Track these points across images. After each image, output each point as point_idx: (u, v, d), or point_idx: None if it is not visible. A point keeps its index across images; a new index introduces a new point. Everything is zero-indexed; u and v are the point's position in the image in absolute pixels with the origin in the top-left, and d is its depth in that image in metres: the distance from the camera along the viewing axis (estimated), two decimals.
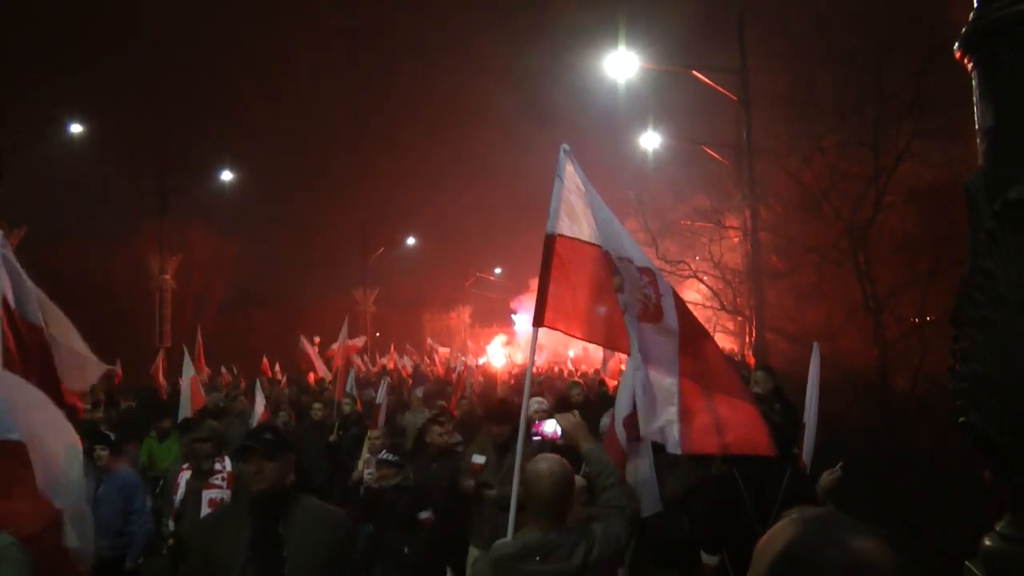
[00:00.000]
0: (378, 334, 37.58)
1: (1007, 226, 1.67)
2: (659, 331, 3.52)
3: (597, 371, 18.82)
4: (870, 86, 12.32)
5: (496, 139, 61.74)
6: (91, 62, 30.37)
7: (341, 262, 40.87)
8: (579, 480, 3.55)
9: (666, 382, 3.49)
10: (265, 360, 19.57)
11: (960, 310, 1.78)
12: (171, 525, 5.52)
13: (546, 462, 2.89)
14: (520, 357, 31.88)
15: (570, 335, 3.59)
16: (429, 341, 28.83)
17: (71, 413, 4.24)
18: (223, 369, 18.66)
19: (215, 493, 5.19)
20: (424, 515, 5.07)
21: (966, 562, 1.83)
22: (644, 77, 17.55)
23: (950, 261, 10.10)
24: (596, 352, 24.16)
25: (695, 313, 3.91)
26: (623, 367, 7.81)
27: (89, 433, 5.80)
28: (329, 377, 13.70)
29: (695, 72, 15.80)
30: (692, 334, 3.55)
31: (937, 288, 10.93)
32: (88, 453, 5.40)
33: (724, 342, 20.50)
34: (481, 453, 5.32)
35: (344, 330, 12.19)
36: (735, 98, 15.36)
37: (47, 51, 31.05)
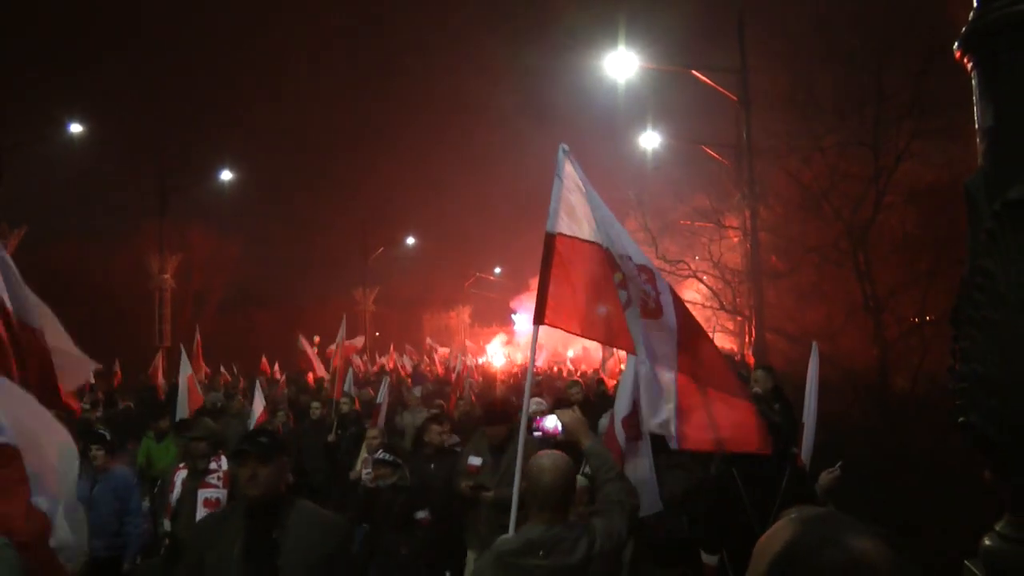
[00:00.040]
0: (378, 334, 37.61)
1: (1007, 226, 1.67)
2: (658, 328, 3.53)
3: (596, 371, 18.86)
4: (870, 86, 12.33)
5: (496, 139, 61.77)
6: (91, 62, 30.40)
7: (341, 262, 40.94)
8: (581, 480, 3.56)
9: (665, 378, 3.50)
10: (264, 360, 19.59)
11: (960, 310, 1.78)
12: (167, 525, 5.51)
13: (548, 457, 2.91)
14: (520, 357, 31.91)
15: (571, 333, 3.59)
16: (428, 341, 28.82)
17: (69, 414, 4.24)
18: (222, 369, 18.66)
19: (211, 492, 5.14)
20: (421, 515, 5.06)
21: (966, 562, 1.83)
22: (644, 77, 17.58)
23: (950, 261, 10.11)
24: (595, 352, 24.21)
25: (695, 313, 3.93)
26: (622, 367, 7.82)
27: (85, 433, 5.78)
28: (328, 376, 13.70)
29: (695, 72, 15.79)
30: (690, 332, 3.57)
31: (937, 288, 10.94)
32: (84, 453, 5.38)
33: (724, 342, 20.50)
34: (477, 455, 5.25)
35: (342, 329, 12.17)
36: (735, 98, 15.36)
37: (47, 51, 31.08)
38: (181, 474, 5.55)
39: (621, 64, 16.24)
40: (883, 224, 12.74)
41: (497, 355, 33.02)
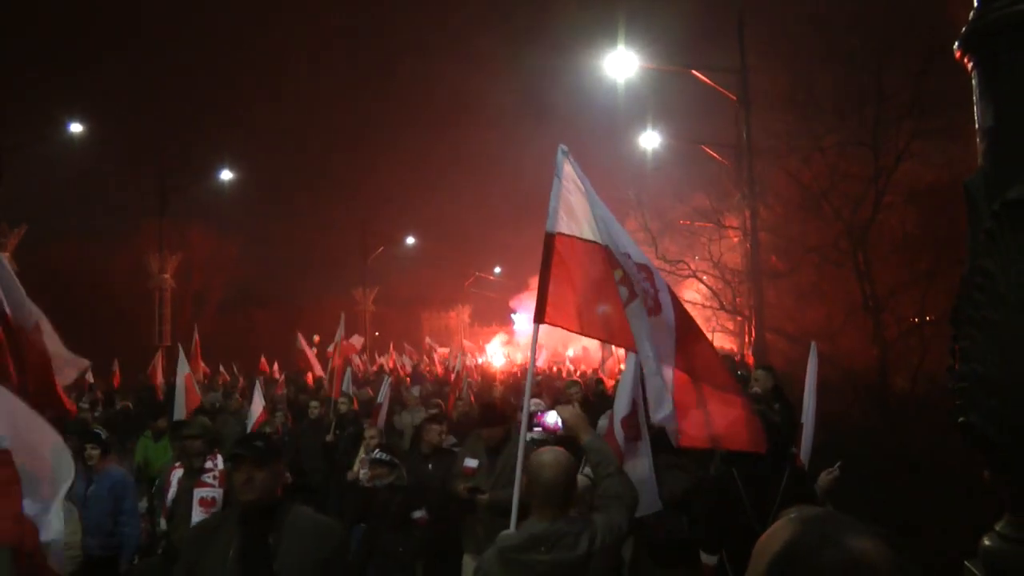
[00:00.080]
0: (377, 333, 37.61)
1: (1007, 226, 1.67)
2: (657, 325, 3.54)
3: (595, 371, 18.85)
4: (870, 86, 12.33)
5: (496, 138, 61.79)
6: (91, 62, 30.43)
7: (340, 261, 40.96)
8: (583, 480, 3.56)
9: (666, 374, 3.52)
10: (263, 359, 19.59)
11: (960, 310, 1.78)
12: (164, 524, 5.48)
13: (550, 453, 2.93)
14: (519, 357, 31.91)
15: (571, 331, 3.61)
16: (428, 340, 28.79)
17: (63, 415, 4.23)
18: (221, 368, 18.66)
19: (207, 492, 5.09)
20: (418, 514, 5.06)
21: (966, 562, 1.83)
22: (644, 76, 17.57)
23: (950, 261, 10.11)
24: (595, 352, 24.21)
25: (695, 313, 3.94)
26: (621, 367, 7.82)
27: (80, 432, 5.77)
28: (326, 376, 13.69)
29: (695, 72, 15.80)
30: (687, 330, 3.58)
31: (937, 288, 10.94)
32: (79, 452, 5.37)
33: (724, 342, 20.51)
34: (473, 457, 5.19)
35: (341, 327, 12.16)
36: (735, 98, 15.37)
37: (47, 51, 31.10)
38: (177, 473, 5.54)
39: (621, 64, 16.24)
40: (883, 224, 12.74)
41: (497, 355, 33.02)
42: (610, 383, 12.21)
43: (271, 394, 12.08)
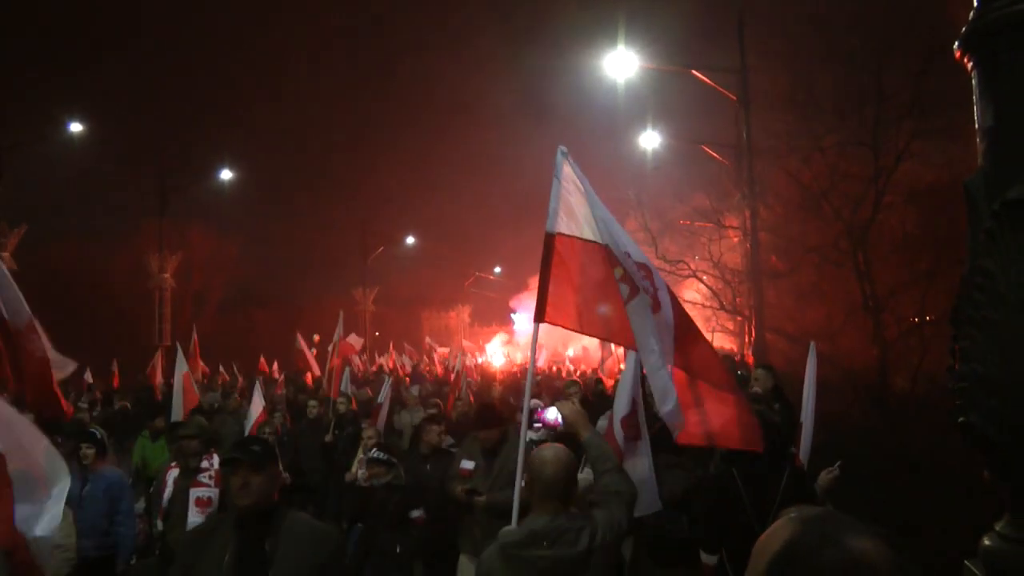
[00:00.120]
0: (377, 333, 37.64)
1: (1007, 226, 1.67)
2: (659, 321, 3.55)
3: (595, 371, 18.85)
4: (870, 86, 12.32)
5: (495, 138, 61.89)
6: (91, 62, 30.44)
7: (340, 261, 41.00)
8: (584, 479, 3.56)
9: (667, 370, 3.53)
10: (263, 359, 19.59)
11: (960, 310, 1.78)
12: (160, 525, 5.46)
13: (550, 449, 2.95)
14: (519, 356, 31.93)
15: (571, 330, 3.63)
16: (428, 340, 28.78)
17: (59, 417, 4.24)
18: (221, 368, 18.66)
19: (203, 491, 5.08)
20: (415, 514, 5.05)
21: (966, 562, 1.83)
22: (644, 76, 17.57)
23: (950, 261, 10.11)
24: (594, 352, 24.22)
25: (695, 313, 3.95)
26: (621, 366, 7.82)
27: (75, 432, 5.75)
28: (325, 376, 13.68)
29: (695, 72, 15.80)
30: (685, 329, 3.60)
31: (937, 288, 10.93)
32: (74, 452, 5.35)
33: (724, 342, 20.50)
34: (470, 458, 5.15)
35: (339, 326, 12.15)
36: (735, 98, 15.37)
37: (47, 51, 31.11)
38: (173, 473, 5.52)
39: (621, 64, 16.25)
40: (883, 224, 12.74)
41: (497, 355, 33.02)
42: (609, 383, 12.20)
43: (270, 394, 12.07)
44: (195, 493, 5.11)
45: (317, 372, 15.46)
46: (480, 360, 28.45)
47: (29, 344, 3.72)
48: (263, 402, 7.85)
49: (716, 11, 19.98)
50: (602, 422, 4.86)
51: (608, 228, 3.53)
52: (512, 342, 39.58)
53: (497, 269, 51.03)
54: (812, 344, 5.66)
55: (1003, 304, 1.66)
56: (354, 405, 9.35)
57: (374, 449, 5.49)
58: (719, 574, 3.96)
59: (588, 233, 3.56)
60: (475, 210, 53.57)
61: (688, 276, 17.54)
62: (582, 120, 33.80)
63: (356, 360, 17.75)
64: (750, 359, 15.12)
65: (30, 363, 3.72)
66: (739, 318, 18.06)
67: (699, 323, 4.10)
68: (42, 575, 2.66)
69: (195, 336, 16.16)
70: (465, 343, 29.90)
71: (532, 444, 4.33)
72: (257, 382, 9.26)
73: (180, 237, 30.54)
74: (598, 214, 3.52)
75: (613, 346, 16.18)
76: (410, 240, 43.69)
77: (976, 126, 1.85)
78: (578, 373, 20.12)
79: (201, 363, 16.70)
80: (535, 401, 6.63)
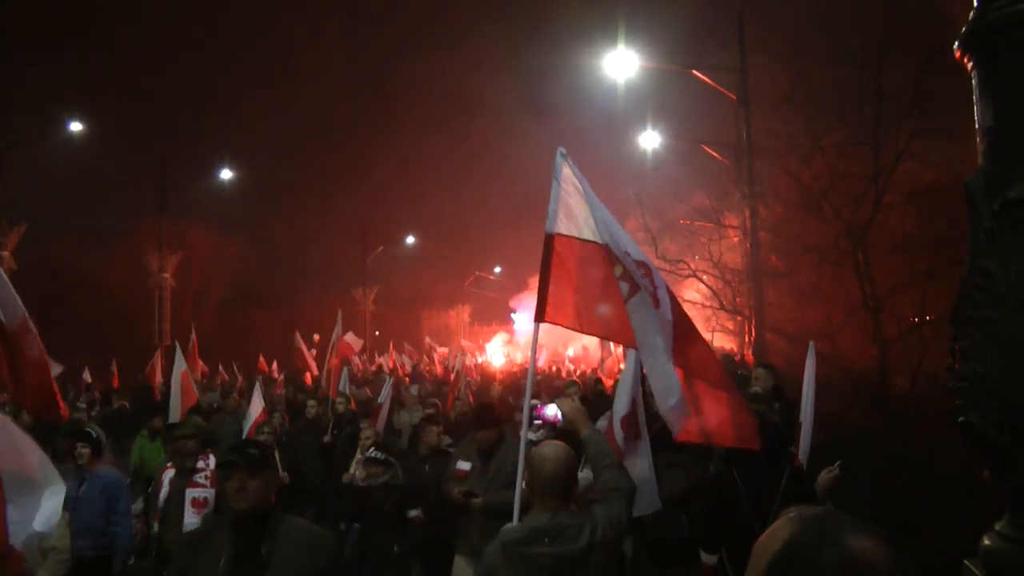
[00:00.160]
0: (377, 333, 37.65)
1: (1007, 226, 1.67)
2: (659, 318, 3.57)
3: (595, 370, 18.85)
4: (870, 86, 12.31)
5: (495, 138, 61.88)
6: (91, 61, 30.42)
7: (340, 261, 41.03)
8: (585, 478, 3.57)
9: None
10: (262, 359, 19.58)
11: (960, 310, 1.78)
12: (156, 526, 5.44)
13: (550, 447, 2.96)
14: (519, 356, 31.94)
15: (571, 329, 3.64)
16: (428, 340, 28.77)
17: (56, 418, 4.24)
18: (220, 368, 18.65)
19: (199, 492, 5.03)
20: (413, 513, 5.05)
21: (966, 562, 1.83)
22: (644, 76, 17.57)
23: (950, 261, 10.10)
24: (594, 351, 24.22)
25: (695, 312, 3.95)
26: (621, 366, 7.81)
27: (72, 432, 5.72)
28: (324, 376, 13.66)
29: (695, 71, 15.80)
30: (684, 328, 3.61)
31: (937, 288, 10.93)
32: (70, 452, 5.33)
33: (724, 342, 20.51)
34: (466, 459, 5.14)
35: (338, 325, 12.13)
36: (735, 97, 15.37)
37: (47, 51, 31.10)
38: (169, 473, 5.50)
39: (621, 63, 16.24)
40: (883, 224, 12.73)
41: (496, 354, 33.02)
42: (609, 383, 12.20)
43: (270, 394, 12.07)
44: (191, 494, 5.08)
45: (316, 372, 15.45)
46: (480, 360, 28.44)
47: (24, 344, 3.72)
48: (263, 403, 7.84)
49: (716, 11, 19.99)
50: (602, 422, 4.86)
51: (608, 228, 3.54)
52: (512, 342, 39.59)
53: (497, 269, 51.09)
54: (812, 344, 5.67)
55: (1003, 304, 1.66)
56: (353, 405, 9.34)
57: (371, 448, 5.48)
58: (719, 574, 3.96)
59: (587, 233, 3.58)
60: (475, 210, 53.70)
61: (688, 276, 17.52)
62: (582, 120, 33.83)
63: (355, 360, 17.75)
64: (750, 359, 15.12)
65: (26, 363, 3.72)
66: (739, 318, 18.05)
67: (699, 323, 4.12)
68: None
69: (194, 335, 16.15)
70: (465, 343, 29.92)
71: (532, 445, 4.33)
72: (257, 382, 9.26)
73: (180, 236, 30.53)
74: (597, 215, 3.54)
75: (613, 346, 16.20)
76: (410, 240, 43.73)
77: (976, 126, 1.85)
78: (578, 373, 20.12)
79: (200, 363, 16.69)
80: (535, 402, 6.62)
